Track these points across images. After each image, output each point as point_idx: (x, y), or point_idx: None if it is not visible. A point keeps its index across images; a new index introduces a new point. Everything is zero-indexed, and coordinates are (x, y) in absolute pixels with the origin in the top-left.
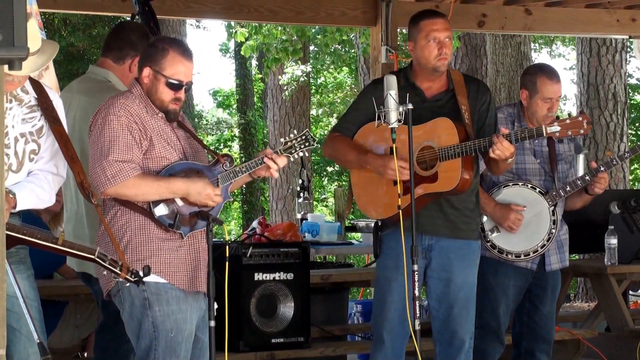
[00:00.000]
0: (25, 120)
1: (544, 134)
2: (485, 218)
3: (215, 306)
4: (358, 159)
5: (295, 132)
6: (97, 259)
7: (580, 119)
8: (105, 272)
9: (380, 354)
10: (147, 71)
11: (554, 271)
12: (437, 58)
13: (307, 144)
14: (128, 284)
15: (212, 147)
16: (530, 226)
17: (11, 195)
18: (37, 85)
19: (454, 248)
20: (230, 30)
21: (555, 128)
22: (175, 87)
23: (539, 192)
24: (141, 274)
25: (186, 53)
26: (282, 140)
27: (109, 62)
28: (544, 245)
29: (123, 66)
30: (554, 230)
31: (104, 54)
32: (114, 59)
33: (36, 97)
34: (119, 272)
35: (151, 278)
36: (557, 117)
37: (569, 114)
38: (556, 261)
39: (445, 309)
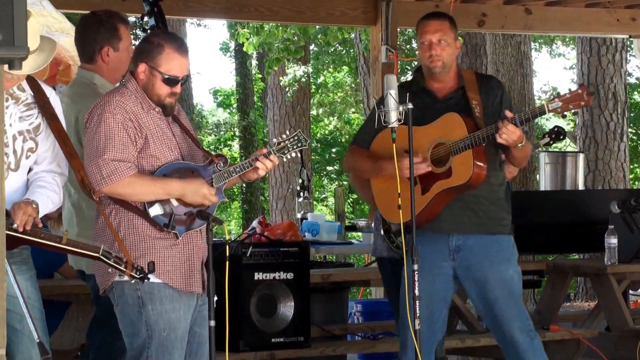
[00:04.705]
0: (23, 118)
1: (547, 111)
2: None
3: (215, 298)
4: (372, 167)
5: (287, 132)
6: (101, 257)
7: (580, 91)
8: (110, 270)
9: (406, 357)
10: (143, 67)
11: None
12: (429, 60)
13: (299, 144)
14: (125, 278)
15: (212, 147)
16: None
17: (34, 205)
18: (33, 83)
19: (483, 245)
20: (232, 31)
21: (557, 104)
22: (171, 82)
23: None
24: (146, 270)
25: (181, 48)
26: (274, 140)
27: (86, 65)
28: None
29: (98, 64)
30: None
31: (80, 59)
32: (86, 61)
33: (33, 94)
34: (124, 270)
35: None
36: (558, 94)
37: (570, 89)
38: None
39: (488, 309)
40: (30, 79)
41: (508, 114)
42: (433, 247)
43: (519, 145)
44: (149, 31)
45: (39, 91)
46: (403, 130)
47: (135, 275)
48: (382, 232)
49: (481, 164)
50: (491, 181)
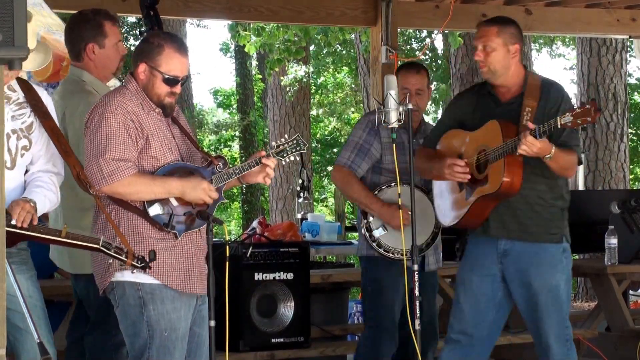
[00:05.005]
0: (15, 117)
1: (559, 125)
2: (372, 217)
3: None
4: (426, 167)
5: (286, 136)
6: (102, 248)
7: (588, 106)
8: (111, 260)
9: (455, 354)
10: (143, 67)
11: (432, 271)
12: (478, 66)
13: (297, 148)
14: (124, 278)
15: (212, 147)
16: (416, 224)
17: (32, 204)
18: (24, 83)
19: (529, 252)
20: (233, 32)
21: (568, 118)
22: (171, 82)
23: (422, 190)
24: (147, 259)
25: (181, 48)
26: (273, 143)
27: (76, 63)
28: (429, 244)
29: (85, 61)
30: (437, 229)
31: (70, 57)
32: (75, 59)
33: (24, 95)
34: (125, 260)
35: (145, 279)
36: (571, 108)
37: (581, 102)
38: (434, 262)
39: (530, 313)
40: (21, 80)
41: (530, 125)
42: (482, 249)
43: (547, 156)
44: (145, 34)
45: (30, 91)
46: (459, 134)
47: (137, 265)
48: (363, 230)
49: (514, 173)
50: (541, 188)
